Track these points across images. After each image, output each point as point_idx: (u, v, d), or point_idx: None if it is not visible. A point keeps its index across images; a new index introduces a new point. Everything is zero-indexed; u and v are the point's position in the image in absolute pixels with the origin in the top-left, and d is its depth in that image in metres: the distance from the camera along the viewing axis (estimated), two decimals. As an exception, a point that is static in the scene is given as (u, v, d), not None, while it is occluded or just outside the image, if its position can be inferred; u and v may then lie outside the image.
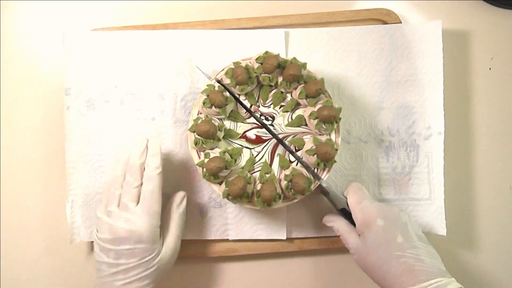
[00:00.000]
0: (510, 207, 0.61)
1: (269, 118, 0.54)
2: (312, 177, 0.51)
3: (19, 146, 0.60)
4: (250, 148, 0.54)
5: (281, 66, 0.52)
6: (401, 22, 0.59)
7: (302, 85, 0.52)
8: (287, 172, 0.51)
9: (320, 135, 0.53)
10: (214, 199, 0.58)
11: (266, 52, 0.52)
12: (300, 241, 0.59)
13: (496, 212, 0.61)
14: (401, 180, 0.59)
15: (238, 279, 0.60)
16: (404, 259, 0.46)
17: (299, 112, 0.54)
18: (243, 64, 0.53)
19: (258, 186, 0.51)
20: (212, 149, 0.53)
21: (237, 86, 0.53)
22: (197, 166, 0.51)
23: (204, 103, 0.51)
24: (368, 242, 0.48)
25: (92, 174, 0.58)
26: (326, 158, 0.50)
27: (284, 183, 0.51)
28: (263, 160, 0.53)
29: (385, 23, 0.59)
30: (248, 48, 0.58)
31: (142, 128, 0.58)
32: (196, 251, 0.58)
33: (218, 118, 0.53)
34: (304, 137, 0.54)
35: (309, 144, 0.53)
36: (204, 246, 0.59)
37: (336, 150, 0.51)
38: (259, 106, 0.55)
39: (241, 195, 0.49)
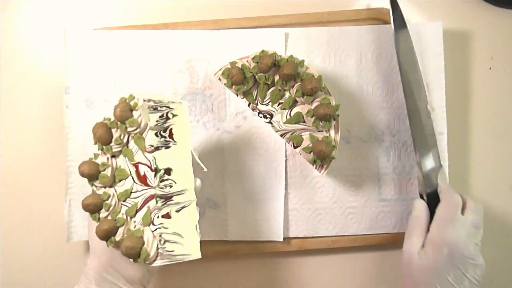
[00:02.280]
0: (510, 207, 0.61)
1: (268, 116, 0.54)
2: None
3: (19, 145, 0.60)
4: (134, 181, 0.48)
5: (277, 64, 0.52)
6: (401, 22, 0.59)
7: (299, 83, 0.52)
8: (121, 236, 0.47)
9: (319, 131, 0.53)
10: (212, 200, 0.58)
11: (262, 51, 0.52)
12: (300, 241, 0.58)
13: (496, 212, 0.61)
14: (401, 180, 0.58)
15: (238, 279, 0.60)
16: None
17: (297, 109, 0.54)
18: (239, 64, 0.53)
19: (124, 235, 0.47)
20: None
21: (233, 86, 0.53)
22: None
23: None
24: (424, 260, 0.48)
25: (92, 173, 0.57)
26: (322, 156, 0.50)
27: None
28: (134, 201, 0.47)
29: (385, 22, 0.59)
30: (248, 48, 0.58)
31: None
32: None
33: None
34: (303, 134, 0.54)
35: (306, 141, 0.52)
36: (204, 246, 0.58)
37: (334, 147, 0.51)
38: (257, 104, 0.55)
39: (107, 238, 0.46)
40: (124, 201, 0.47)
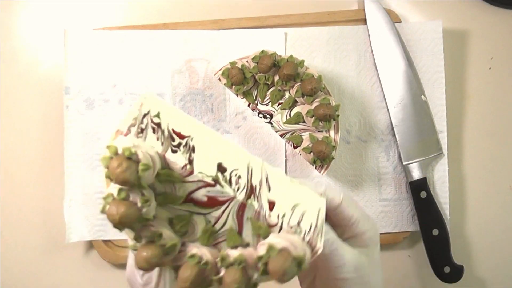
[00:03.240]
0: (510, 207, 0.61)
1: (267, 116, 0.54)
2: (304, 254, 0.32)
3: (18, 145, 0.60)
4: (203, 214, 0.36)
5: (277, 65, 0.52)
6: (401, 22, 0.59)
7: (299, 83, 0.52)
8: (262, 251, 0.32)
9: (319, 131, 0.53)
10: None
11: (262, 51, 0.52)
12: (300, 241, 0.58)
13: (496, 212, 0.61)
14: (401, 180, 0.58)
15: (237, 279, 0.60)
16: None
17: (297, 109, 0.54)
18: (239, 64, 0.53)
19: (222, 271, 0.33)
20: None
21: (233, 86, 0.53)
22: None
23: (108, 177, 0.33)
24: (374, 256, 0.38)
25: (91, 173, 0.57)
26: (322, 157, 0.50)
27: (259, 265, 0.32)
28: (227, 226, 0.36)
29: (385, 23, 0.59)
30: (248, 48, 0.58)
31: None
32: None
33: (140, 192, 0.33)
34: (303, 134, 0.54)
35: (306, 141, 0.52)
36: (204, 246, 0.58)
37: (334, 147, 0.51)
38: (257, 104, 0.55)
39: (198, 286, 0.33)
40: (212, 241, 0.36)
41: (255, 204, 0.35)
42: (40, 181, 0.60)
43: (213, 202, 0.36)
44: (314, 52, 0.59)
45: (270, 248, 0.31)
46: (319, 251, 0.32)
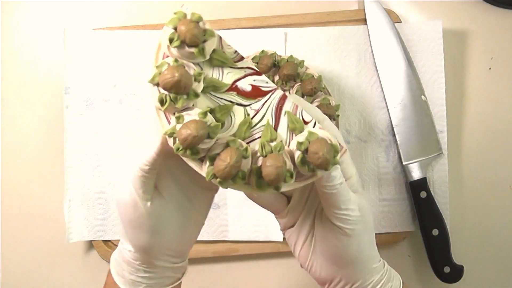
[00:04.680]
0: (510, 207, 0.61)
1: None
2: (338, 144, 0.34)
3: (19, 145, 0.60)
4: (244, 105, 0.36)
5: (277, 65, 0.52)
6: (401, 22, 0.59)
7: (299, 83, 0.52)
8: (301, 138, 0.34)
9: None
10: (214, 199, 0.58)
11: (262, 51, 0.52)
12: (300, 241, 0.58)
13: (496, 212, 0.61)
14: (401, 180, 0.58)
15: (238, 279, 0.60)
16: None
17: None
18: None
19: (260, 161, 0.34)
20: (186, 109, 0.34)
21: None
22: (166, 137, 0.34)
23: (171, 40, 0.34)
24: (367, 201, 0.40)
25: (90, 173, 0.57)
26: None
27: (297, 154, 0.34)
28: (264, 122, 0.36)
29: (385, 23, 0.59)
30: (248, 48, 0.58)
31: (140, 128, 0.58)
32: (195, 251, 0.58)
33: (193, 63, 0.35)
34: None
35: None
36: (204, 246, 0.58)
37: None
38: None
39: (233, 176, 0.33)
40: (248, 136, 0.36)
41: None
42: (40, 181, 0.60)
43: (256, 92, 0.36)
44: (314, 52, 0.59)
45: (310, 134, 0.34)
46: (347, 151, 0.36)
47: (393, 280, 0.39)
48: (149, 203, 0.35)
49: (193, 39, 0.33)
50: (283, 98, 0.36)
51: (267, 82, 0.37)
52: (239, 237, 0.58)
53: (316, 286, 0.62)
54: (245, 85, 0.36)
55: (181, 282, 0.41)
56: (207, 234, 0.58)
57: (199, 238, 0.57)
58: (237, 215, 0.58)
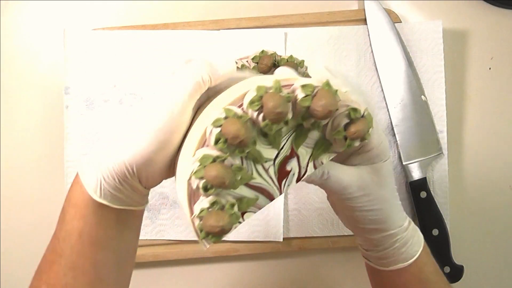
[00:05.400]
0: (510, 207, 0.61)
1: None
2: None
3: (19, 145, 0.60)
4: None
5: (277, 64, 0.52)
6: (401, 22, 0.59)
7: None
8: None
9: None
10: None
11: (262, 51, 0.52)
12: (300, 241, 0.58)
13: (496, 212, 0.61)
14: (401, 180, 0.58)
15: (238, 279, 0.60)
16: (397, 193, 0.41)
17: None
18: (239, 64, 0.53)
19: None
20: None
21: None
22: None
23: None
24: (385, 170, 0.38)
25: (91, 173, 0.57)
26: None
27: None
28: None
29: (385, 23, 0.59)
30: (248, 48, 0.58)
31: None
32: (195, 251, 0.58)
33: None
34: None
35: None
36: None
37: None
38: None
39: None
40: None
41: None
42: (40, 182, 0.60)
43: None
44: (314, 52, 0.59)
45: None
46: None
47: (410, 245, 0.39)
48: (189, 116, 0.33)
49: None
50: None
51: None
52: (239, 237, 0.58)
53: (315, 286, 0.62)
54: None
55: (143, 212, 0.40)
56: (207, 234, 0.58)
57: (197, 238, 0.58)
58: (237, 215, 0.58)
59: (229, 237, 0.58)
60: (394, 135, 0.58)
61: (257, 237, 0.58)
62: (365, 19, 0.59)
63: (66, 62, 0.58)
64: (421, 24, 0.59)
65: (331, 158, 0.34)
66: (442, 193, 0.58)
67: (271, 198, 0.33)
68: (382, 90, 0.58)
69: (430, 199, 0.57)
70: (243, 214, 0.32)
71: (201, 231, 0.31)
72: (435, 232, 0.57)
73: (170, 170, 0.36)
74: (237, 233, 0.58)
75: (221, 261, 0.60)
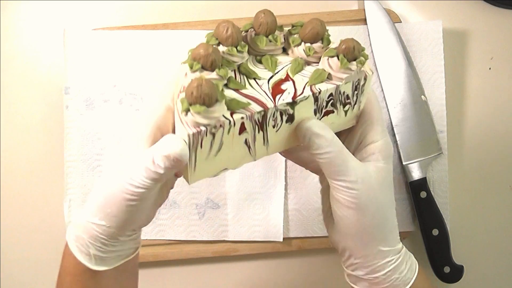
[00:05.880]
0: (510, 207, 0.61)
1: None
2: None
3: (19, 145, 0.60)
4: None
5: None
6: (401, 22, 0.59)
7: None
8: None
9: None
10: (212, 200, 0.58)
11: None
12: (300, 241, 0.58)
13: (496, 212, 0.61)
14: (401, 180, 0.58)
15: (238, 279, 0.60)
16: (395, 209, 0.40)
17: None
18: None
19: None
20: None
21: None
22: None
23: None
24: (385, 174, 0.37)
25: (90, 173, 0.57)
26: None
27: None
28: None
29: (385, 23, 0.59)
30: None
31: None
32: (195, 251, 0.58)
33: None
34: None
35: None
36: (204, 246, 0.58)
37: None
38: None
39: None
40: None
41: None
42: (40, 182, 0.60)
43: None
44: (314, 52, 0.59)
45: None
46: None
47: (403, 271, 0.37)
48: (150, 191, 0.34)
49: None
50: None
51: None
52: (238, 237, 0.58)
53: (315, 286, 0.62)
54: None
55: (138, 252, 0.40)
56: (207, 234, 0.58)
57: (199, 238, 0.58)
58: (237, 215, 0.58)
59: (229, 237, 0.58)
60: (394, 135, 0.58)
61: (257, 237, 0.58)
62: (365, 19, 0.59)
63: (66, 62, 0.58)
64: (421, 24, 0.59)
65: (328, 89, 0.35)
66: (442, 193, 0.58)
67: (264, 106, 0.34)
68: (382, 90, 0.58)
69: (430, 199, 0.57)
70: (232, 113, 0.33)
71: (184, 108, 0.32)
72: (435, 232, 0.57)
73: (156, 207, 0.38)
74: (237, 233, 0.58)
75: (221, 261, 0.60)
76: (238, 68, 0.37)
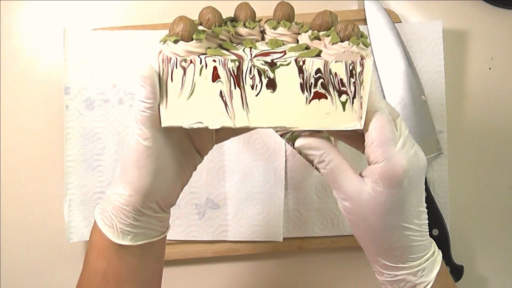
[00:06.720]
0: (510, 207, 0.61)
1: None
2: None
3: (19, 145, 0.60)
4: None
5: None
6: (401, 22, 0.59)
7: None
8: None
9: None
10: (212, 200, 0.58)
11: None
12: (300, 241, 0.58)
13: (496, 212, 0.61)
14: (401, 180, 0.58)
15: (238, 279, 0.60)
16: (408, 232, 0.36)
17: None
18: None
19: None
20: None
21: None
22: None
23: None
24: (381, 199, 0.35)
25: (90, 173, 0.57)
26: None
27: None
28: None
29: (385, 23, 0.59)
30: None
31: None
32: (195, 251, 0.58)
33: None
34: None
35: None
36: (204, 246, 0.58)
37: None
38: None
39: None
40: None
41: None
42: (40, 182, 0.60)
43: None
44: (314, 52, 0.59)
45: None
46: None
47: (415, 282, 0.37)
48: (151, 143, 0.35)
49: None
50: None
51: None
52: (239, 237, 0.58)
53: (315, 286, 0.62)
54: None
55: (165, 237, 0.41)
56: (207, 234, 0.58)
57: (199, 238, 0.58)
58: (237, 215, 0.58)
59: (229, 237, 0.58)
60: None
61: (257, 237, 0.58)
62: (365, 19, 0.59)
63: (66, 62, 0.58)
64: (421, 24, 0.59)
65: (314, 62, 0.34)
66: (442, 193, 0.58)
67: (239, 57, 0.35)
68: (382, 90, 0.58)
69: (430, 199, 0.57)
70: (207, 57, 0.35)
71: (163, 39, 0.35)
72: (435, 232, 0.56)
73: (178, 181, 0.38)
74: (237, 233, 0.58)
75: (221, 261, 0.60)
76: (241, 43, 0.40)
